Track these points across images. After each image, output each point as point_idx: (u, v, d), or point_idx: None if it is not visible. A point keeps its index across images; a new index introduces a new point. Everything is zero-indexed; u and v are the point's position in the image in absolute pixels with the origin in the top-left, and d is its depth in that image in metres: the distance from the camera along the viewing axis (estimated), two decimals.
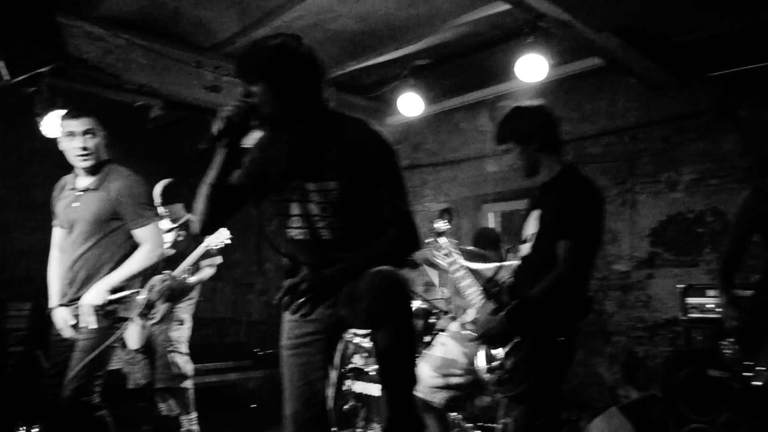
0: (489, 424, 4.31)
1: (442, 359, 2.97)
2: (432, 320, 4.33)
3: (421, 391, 2.89)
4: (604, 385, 5.23)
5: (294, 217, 2.26)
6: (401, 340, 1.97)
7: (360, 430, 4.30)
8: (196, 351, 5.02)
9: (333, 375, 2.33)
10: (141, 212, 3.22)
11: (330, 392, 2.30)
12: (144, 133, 5.55)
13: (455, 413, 3.88)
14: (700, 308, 3.75)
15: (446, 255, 3.12)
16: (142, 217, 3.22)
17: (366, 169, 2.15)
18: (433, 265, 3.50)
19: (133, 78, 4.77)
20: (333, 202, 2.17)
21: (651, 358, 4.94)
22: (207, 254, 4.52)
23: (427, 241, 3.20)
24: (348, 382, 4.46)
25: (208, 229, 2.26)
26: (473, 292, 2.86)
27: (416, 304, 4.35)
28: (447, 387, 2.93)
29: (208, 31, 4.86)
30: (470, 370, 2.87)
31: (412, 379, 2.04)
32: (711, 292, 3.71)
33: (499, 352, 2.67)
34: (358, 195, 2.16)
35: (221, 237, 4.35)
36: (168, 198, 4.56)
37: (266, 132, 2.33)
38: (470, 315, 2.91)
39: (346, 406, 4.41)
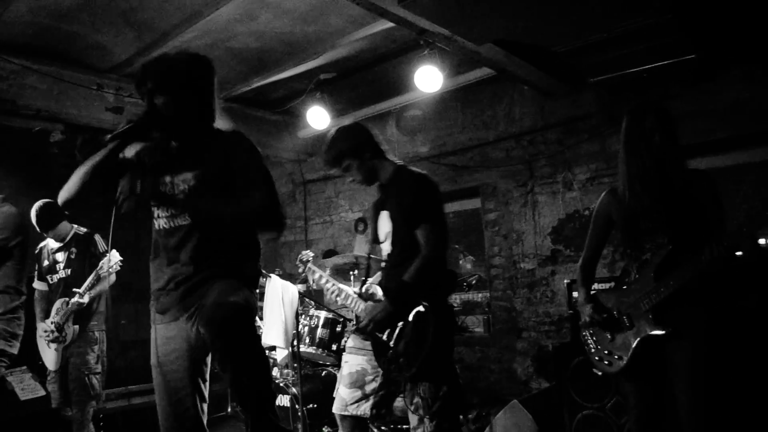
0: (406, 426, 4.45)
1: (350, 374, 3.10)
2: (338, 329, 4.43)
3: (345, 410, 3.05)
4: (517, 380, 5.43)
5: (160, 207, 2.44)
6: (242, 363, 2.16)
7: None
8: (122, 373, 4.97)
9: (205, 387, 2.41)
10: None
11: (203, 406, 2.37)
12: (48, 158, 5.47)
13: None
14: None
15: (319, 278, 3.32)
16: None
17: (226, 160, 2.36)
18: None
19: (29, 102, 4.73)
20: (193, 189, 2.37)
21: None
22: (98, 279, 4.33)
23: (300, 271, 3.44)
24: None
25: (71, 205, 2.34)
26: (352, 301, 3.04)
27: (322, 314, 4.45)
28: (366, 396, 3.05)
29: (106, 54, 4.86)
30: (378, 372, 3.03)
31: (266, 395, 2.18)
32: (595, 286, 3.92)
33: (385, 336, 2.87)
34: (215, 182, 2.35)
35: (113, 260, 4.25)
36: (46, 221, 4.32)
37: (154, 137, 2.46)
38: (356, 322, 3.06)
39: None
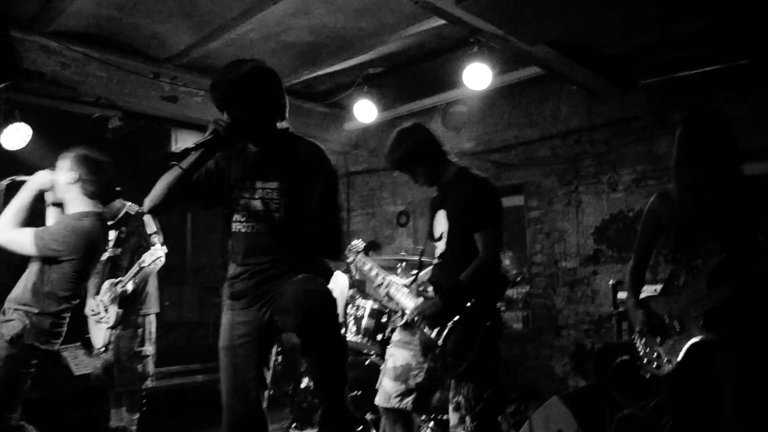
0: (445, 416, 4.53)
1: (395, 368, 3.17)
2: (383, 320, 4.52)
3: (389, 402, 3.13)
4: (554, 377, 5.47)
5: (240, 212, 2.56)
6: (327, 347, 2.24)
7: (317, 425, 4.47)
8: (164, 354, 5.13)
9: (267, 375, 2.52)
10: None
11: (265, 392, 2.49)
12: (104, 143, 5.64)
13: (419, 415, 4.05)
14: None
15: (369, 269, 3.37)
16: None
17: (307, 176, 2.49)
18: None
19: (90, 90, 4.89)
20: (274, 199, 2.50)
21: None
22: (140, 270, 4.38)
23: (348, 260, 3.50)
24: (306, 381, 4.63)
25: (158, 209, 2.48)
26: (402, 295, 3.11)
27: (369, 304, 4.54)
28: (410, 390, 3.13)
29: (164, 44, 4.99)
30: (423, 367, 3.10)
31: (341, 380, 2.27)
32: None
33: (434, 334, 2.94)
34: (295, 196, 2.48)
35: (155, 254, 4.36)
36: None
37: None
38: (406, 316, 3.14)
39: (304, 404, 4.59)
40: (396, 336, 3.30)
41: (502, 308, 3.38)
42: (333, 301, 2.29)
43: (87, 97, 4.90)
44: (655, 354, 2.76)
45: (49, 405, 4.99)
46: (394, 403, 3.13)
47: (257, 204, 2.51)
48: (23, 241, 3.14)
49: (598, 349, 4.05)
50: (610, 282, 4.20)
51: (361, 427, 4.29)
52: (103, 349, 4.53)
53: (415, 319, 3.00)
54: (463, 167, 3.13)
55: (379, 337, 4.49)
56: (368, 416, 4.33)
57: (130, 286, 4.41)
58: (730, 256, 2.57)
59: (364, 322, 4.47)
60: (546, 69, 4.72)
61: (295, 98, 6.23)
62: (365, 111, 5.76)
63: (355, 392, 4.36)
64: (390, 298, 3.31)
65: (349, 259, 3.62)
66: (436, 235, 3.13)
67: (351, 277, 5.00)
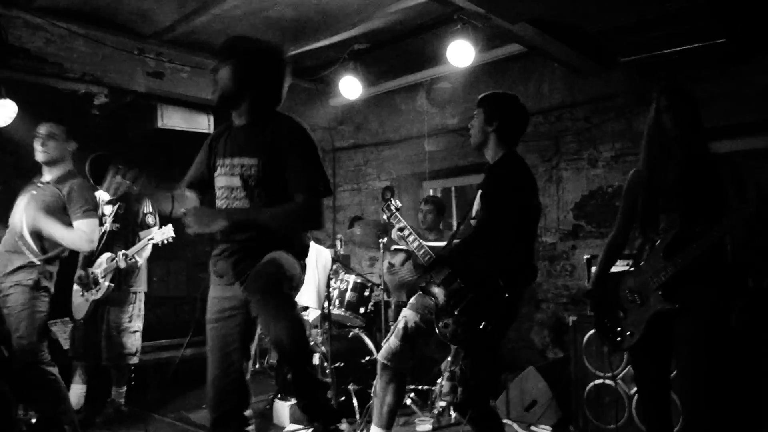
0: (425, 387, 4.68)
1: (403, 329, 3.23)
2: (366, 293, 4.63)
3: (389, 360, 3.22)
4: (535, 349, 5.62)
5: (220, 189, 2.68)
6: (279, 324, 2.34)
7: None
8: (151, 329, 5.22)
9: (252, 347, 2.63)
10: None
11: (248, 364, 2.60)
12: (90, 119, 5.67)
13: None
14: None
15: (401, 228, 3.41)
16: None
17: (286, 150, 2.56)
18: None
19: (75, 67, 4.90)
20: (252, 175, 2.58)
21: None
22: (145, 245, 4.61)
23: (384, 217, 3.55)
24: None
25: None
26: (428, 260, 3.17)
27: (352, 278, 4.65)
28: (412, 354, 3.23)
29: (148, 20, 5.00)
30: (431, 335, 3.16)
31: (299, 350, 2.40)
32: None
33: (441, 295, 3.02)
34: (273, 171, 2.56)
35: (167, 233, 4.47)
36: (97, 173, 4.47)
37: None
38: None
39: (288, 375, 4.70)
40: (412, 299, 3.36)
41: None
42: (285, 280, 2.43)
43: (72, 73, 4.91)
44: (619, 328, 2.88)
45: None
46: (393, 361, 3.20)
47: (236, 181, 2.61)
48: None
49: (572, 322, 4.17)
50: (585, 257, 4.32)
51: (343, 398, 4.42)
52: (82, 321, 4.62)
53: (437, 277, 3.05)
54: (513, 152, 3.10)
55: (362, 310, 4.62)
56: (351, 386, 4.46)
57: (140, 259, 4.55)
58: (687, 228, 2.67)
59: (348, 295, 4.59)
60: (528, 47, 4.78)
61: None
62: (350, 87, 5.80)
63: (338, 364, 4.48)
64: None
65: (384, 216, 3.63)
66: (473, 215, 3.15)
67: (336, 252, 5.10)
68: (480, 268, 2.92)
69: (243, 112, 2.68)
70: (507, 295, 2.85)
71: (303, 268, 2.72)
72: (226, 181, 2.66)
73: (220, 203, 2.68)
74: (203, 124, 6.88)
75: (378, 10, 4.81)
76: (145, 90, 5.35)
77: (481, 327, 2.83)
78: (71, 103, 5.31)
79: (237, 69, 2.59)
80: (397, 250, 4.77)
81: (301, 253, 2.69)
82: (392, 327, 3.40)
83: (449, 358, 3.09)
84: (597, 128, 5.32)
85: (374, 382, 3.39)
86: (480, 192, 3.11)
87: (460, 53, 4.85)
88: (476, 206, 3.15)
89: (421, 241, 3.28)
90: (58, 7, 4.67)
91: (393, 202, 3.59)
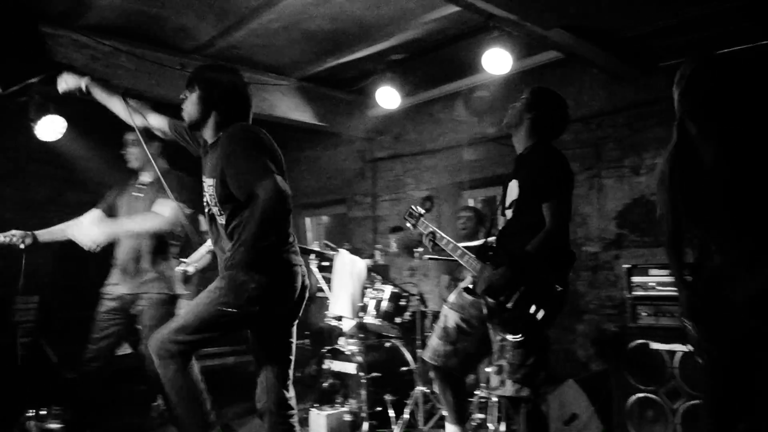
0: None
1: (445, 329, 3.29)
2: (402, 303, 4.61)
3: (435, 360, 3.26)
4: (577, 361, 5.50)
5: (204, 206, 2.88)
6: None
7: (338, 405, 4.60)
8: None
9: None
10: None
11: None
12: (134, 132, 5.82)
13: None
14: (644, 286, 3.99)
15: (431, 233, 3.42)
16: None
17: (225, 165, 2.64)
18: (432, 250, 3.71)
19: (119, 82, 5.04)
20: (212, 195, 2.74)
21: None
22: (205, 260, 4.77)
23: (408, 224, 3.56)
24: (327, 362, 4.76)
25: None
26: (468, 260, 3.17)
27: (388, 288, 4.63)
28: (455, 352, 3.24)
29: (189, 35, 5.13)
30: (472, 333, 3.21)
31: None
32: (653, 272, 3.97)
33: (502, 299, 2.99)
34: (221, 189, 2.68)
35: None
36: None
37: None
38: (467, 281, 3.25)
39: (325, 384, 4.72)
40: (452, 298, 3.38)
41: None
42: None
43: (117, 89, 5.05)
44: (705, 339, 2.52)
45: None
46: (439, 361, 3.26)
47: (205, 201, 2.82)
48: None
49: (613, 333, 4.06)
50: (624, 266, 4.20)
51: (380, 408, 4.41)
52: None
53: (485, 287, 3.03)
54: (544, 141, 3.17)
55: (398, 320, 4.59)
56: (387, 397, 4.44)
57: (192, 269, 4.68)
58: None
59: (384, 305, 4.57)
60: (565, 53, 4.72)
61: (319, 86, 6.34)
62: (388, 97, 5.82)
63: (375, 374, 4.47)
64: (448, 257, 3.37)
65: (408, 223, 3.67)
66: (507, 204, 3.19)
67: (375, 262, 5.10)
68: (526, 257, 2.93)
69: (208, 135, 2.83)
70: (556, 282, 2.89)
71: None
72: (205, 199, 2.83)
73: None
74: None
75: (413, 20, 4.82)
76: None
77: (535, 316, 2.86)
78: (116, 117, 5.45)
79: (198, 95, 2.78)
80: (431, 259, 4.74)
81: (262, 268, 2.63)
82: (435, 326, 3.41)
83: (494, 354, 3.07)
84: (639, 135, 5.19)
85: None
86: (517, 182, 3.13)
87: (497, 61, 4.81)
88: (511, 197, 3.17)
89: (454, 242, 3.29)
90: (103, 25, 4.83)
91: (415, 208, 3.59)
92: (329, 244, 4.82)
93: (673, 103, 2.84)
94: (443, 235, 3.40)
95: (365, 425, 4.31)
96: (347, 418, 4.45)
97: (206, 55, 5.46)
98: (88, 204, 6.72)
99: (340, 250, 4.48)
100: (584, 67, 5.28)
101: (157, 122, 3.21)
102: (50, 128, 4.76)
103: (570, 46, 4.52)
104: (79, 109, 5.11)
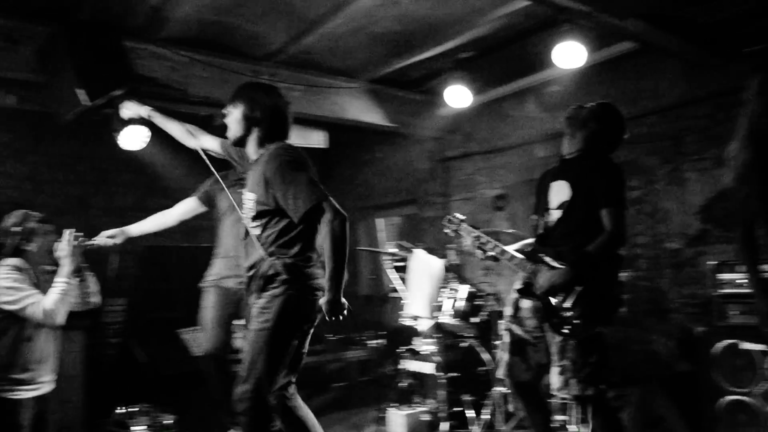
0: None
1: (512, 343, 3.34)
2: (478, 302, 4.57)
3: (509, 375, 3.33)
4: (659, 362, 5.31)
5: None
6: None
7: (416, 405, 4.61)
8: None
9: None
10: None
11: None
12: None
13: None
14: (732, 284, 3.83)
15: (476, 238, 3.42)
16: None
17: (268, 183, 2.87)
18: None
19: (197, 91, 5.22)
20: (251, 209, 2.98)
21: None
22: None
23: (447, 231, 3.56)
24: (403, 362, 4.78)
25: None
26: (519, 262, 3.17)
27: (464, 287, 4.60)
28: (528, 365, 3.25)
29: (261, 43, 5.24)
30: (539, 342, 3.22)
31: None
32: (742, 268, 3.80)
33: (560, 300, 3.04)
34: (264, 204, 2.91)
35: None
36: None
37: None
38: (519, 282, 3.27)
39: (402, 384, 4.74)
40: (508, 311, 3.41)
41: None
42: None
43: (194, 97, 5.23)
44: None
45: (171, 382, 5.43)
46: (514, 376, 3.30)
47: (248, 212, 3.03)
48: None
49: (698, 333, 3.91)
50: (708, 263, 4.03)
51: (459, 408, 4.39)
52: None
53: (546, 288, 3.06)
54: (598, 148, 3.27)
55: (474, 319, 4.56)
56: (465, 397, 4.42)
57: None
58: None
59: (459, 305, 4.54)
60: (640, 43, 4.57)
61: (388, 87, 6.36)
62: (458, 96, 5.79)
63: (453, 374, 4.45)
64: (493, 259, 3.40)
65: (447, 231, 3.69)
66: (553, 205, 3.22)
67: (449, 262, 5.08)
68: (588, 258, 2.99)
69: (251, 151, 3.06)
70: (612, 282, 2.97)
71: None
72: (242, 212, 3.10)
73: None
74: (318, 140, 7.13)
75: (482, 17, 4.77)
76: None
77: (591, 315, 2.91)
78: (193, 125, 5.64)
79: (242, 112, 3.01)
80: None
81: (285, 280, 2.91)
82: (501, 342, 3.41)
83: (554, 355, 3.05)
84: (722, 125, 4.96)
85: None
86: (567, 183, 3.18)
87: (569, 55, 4.71)
88: (559, 198, 3.19)
89: (502, 246, 3.29)
90: (181, 37, 5.01)
91: (453, 216, 3.65)
92: (404, 244, 4.83)
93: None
94: (489, 238, 3.40)
95: (444, 425, 4.30)
96: (425, 418, 4.46)
97: (277, 62, 5.57)
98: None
99: (415, 250, 4.48)
100: (661, 56, 5.09)
101: (210, 143, 3.43)
102: (133, 138, 4.97)
103: (645, 35, 4.37)
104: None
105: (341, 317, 2.82)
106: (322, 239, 2.78)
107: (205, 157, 3.38)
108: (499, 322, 4.01)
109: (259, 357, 2.78)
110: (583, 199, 3.11)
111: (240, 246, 3.12)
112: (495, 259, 3.39)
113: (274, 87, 3.17)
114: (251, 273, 2.95)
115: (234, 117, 3.05)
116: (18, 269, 3.38)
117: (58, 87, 4.39)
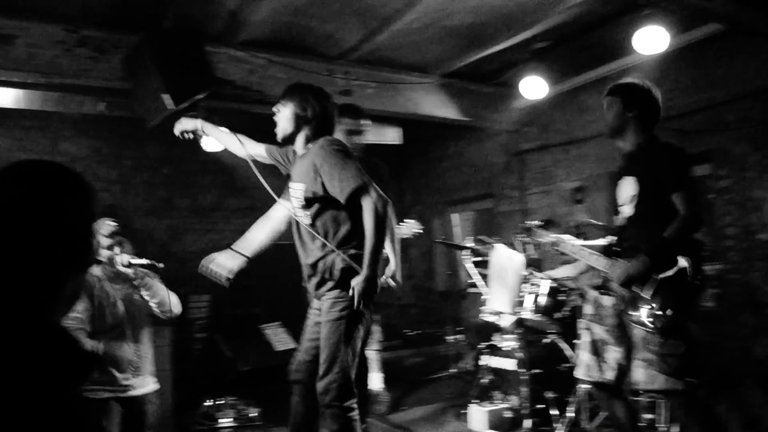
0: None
1: (592, 342, 3.25)
2: (561, 297, 4.47)
3: (589, 376, 3.24)
4: (753, 360, 5.06)
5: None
6: None
7: (498, 401, 4.57)
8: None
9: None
10: None
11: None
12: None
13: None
14: None
15: (555, 240, 3.39)
16: None
17: (317, 170, 3.01)
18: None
19: (274, 92, 5.30)
20: (298, 198, 3.12)
21: None
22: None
23: (519, 238, 3.56)
24: (484, 358, 4.73)
25: None
26: (597, 260, 3.11)
27: (546, 282, 4.52)
28: (608, 364, 3.18)
29: (335, 42, 5.30)
30: (618, 341, 3.14)
31: None
32: None
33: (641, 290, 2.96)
34: (315, 191, 3.04)
35: (413, 227, 4.69)
36: None
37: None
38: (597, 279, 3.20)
39: (484, 380, 4.69)
40: (588, 310, 3.34)
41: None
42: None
43: (272, 98, 5.30)
44: None
45: (255, 376, 5.59)
46: (595, 376, 3.20)
47: (294, 202, 3.16)
48: None
49: None
50: None
51: (542, 405, 4.32)
52: None
53: (624, 279, 3.00)
54: (656, 135, 3.21)
55: (557, 315, 4.46)
56: (548, 394, 4.34)
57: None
58: None
59: (542, 300, 4.46)
60: (727, 24, 4.35)
61: (462, 81, 6.31)
62: (534, 87, 5.68)
63: (535, 370, 4.38)
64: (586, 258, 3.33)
65: (519, 236, 3.68)
66: (623, 201, 3.17)
67: (527, 256, 5.00)
68: (664, 244, 2.90)
69: (298, 147, 3.23)
70: (692, 270, 2.84)
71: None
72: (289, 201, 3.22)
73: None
74: (392, 136, 7.16)
75: (557, 5, 4.66)
76: None
77: (675, 304, 2.82)
78: (272, 125, 5.77)
79: (293, 111, 3.18)
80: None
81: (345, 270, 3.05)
82: (580, 342, 3.33)
83: (635, 348, 2.96)
84: None
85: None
86: (634, 178, 3.10)
87: (650, 40, 4.56)
88: (627, 193, 3.12)
89: (578, 245, 3.23)
90: (258, 40, 5.12)
91: (526, 224, 3.68)
92: (485, 239, 4.78)
93: None
94: (565, 240, 3.36)
95: (527, 422, 4.24)
96: (508, 414, 4.40)
97: (351, 60, 5.62)
98: (246, 209, 7.21)
99: (496, 245, 4.43)
100: (748, 37, 4.84)
101: (257, 150, 3.53)
102: (215, 141, 5.12)
103: (734, 15, 4.16)
104: (240, 120, 5.48)
105: (373, 296, 2.91)
106: (364, 218, 2.92)
107: (253, 165, 3.46)
108: (579, 321, 3.92)
109: (340, 346, 2.91)
110: (651, 190, 3.04)
111: (298, 243, 3.21)
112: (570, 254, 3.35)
113: (323, 89, 3.30)
114: (316, 269, 3.07)
115: (285, 115, 3.22)
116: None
117: (143, 93, 4.58)
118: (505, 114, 6.65)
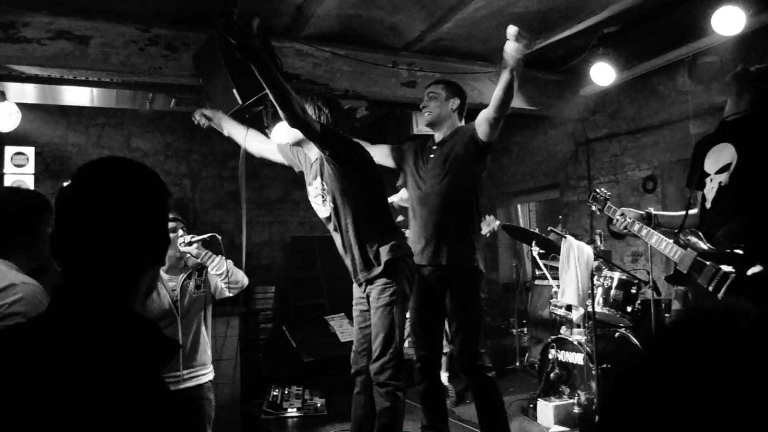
0: None
1: None
2: (633, 290, 4.36)
3: None
4: None
5: None
6: None
7: (566, 396, 4.48)
8: None
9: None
10: None
11: None
12: (353, 132, 6.16)
13: None
14: None
15: (624, 220, 3.25)
16: None
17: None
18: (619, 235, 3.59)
19: (339, 85, 5.36)
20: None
21: None
22: None
23: (593, 208, 3.42)
24: (552, 351, 4.65)
25: None
26: (667, 246, 2.98)
27: (616, 275, 4.41)
28: None
29: (399, 33, 5.29)
30: None
31: None
32: None
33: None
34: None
35: (492, 225, 4.67)
36: None
37: None
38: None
39: (551, 374, 4.62)
40: (676, 306, 3.27)
41: None
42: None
43: (337, 91, 5.37)
44: None
45: (319, 367, 5.65)
46: None
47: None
48: None
49: None
50: None
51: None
52: None
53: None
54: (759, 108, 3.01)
55: (629, 308, 4.35)
56: None
57: None
58: None
59: (612, 293, 4.36)
60: None
61: (527, 68, 6.15)
62: (602, 74, 5.54)
63: (605, 365, 4.28)
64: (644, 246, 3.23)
65: (593, 207, 3.56)
66: (713, 170, 2.97)
67: (596, 248, 4.89)
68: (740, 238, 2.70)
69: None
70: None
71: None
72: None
73: None
74: None
75: None
76: (401, 100, 5.65)
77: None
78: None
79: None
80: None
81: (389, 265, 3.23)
82: None
83: None
84: None
85: None
86: (732, 146, 2.89)
87: (728, 20, 4.36)
88: (720, 161, 2.92)
89: (648, 227, 3.08)
90: (322, 34, 5.15)
91: (599, 191, 3.49)
92: (555, 230, 4.69)
93: None
94: (634, 219, 3.18)
95: (597, 418, 4.15)
96: (576, 410, 4.32)
97: (415, 51, 5.59)
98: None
99: (567, 236, 4.34)
100: None
101: (265, 147, 3.73)
102: (283, 133, 5.18)
103: None
104: None
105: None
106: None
107: (243, 158, 3.63)
108: (666, 315, 3.79)
109: (392, 328, 3.06)
110: (755, 163, 2.79)
111: (337, 240, 3.34)
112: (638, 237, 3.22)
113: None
114: (361, 262, 3.22)
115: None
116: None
117: (212, 89, 4.66)
118: (572, 102, 6.50)
